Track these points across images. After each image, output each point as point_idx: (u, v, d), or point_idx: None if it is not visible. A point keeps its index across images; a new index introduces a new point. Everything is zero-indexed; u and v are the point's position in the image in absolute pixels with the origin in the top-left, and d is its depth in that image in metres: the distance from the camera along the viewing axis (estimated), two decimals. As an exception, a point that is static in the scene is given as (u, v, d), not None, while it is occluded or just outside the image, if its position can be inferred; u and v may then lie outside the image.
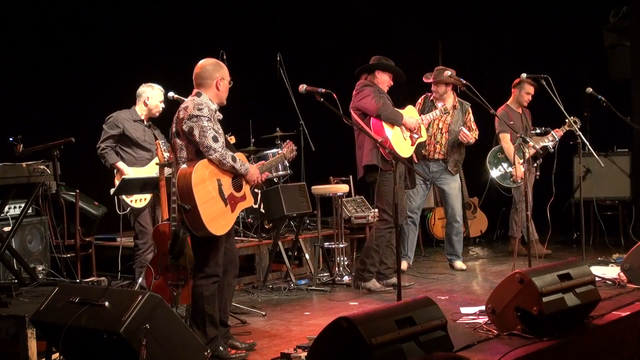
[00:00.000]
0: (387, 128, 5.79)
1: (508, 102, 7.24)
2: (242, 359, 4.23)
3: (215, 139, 4.06)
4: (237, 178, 4.24)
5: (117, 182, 5.84)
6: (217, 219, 4.09)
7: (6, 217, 5.92)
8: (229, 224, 4.20)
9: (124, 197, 5.83)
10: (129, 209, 5.88)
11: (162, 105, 6.06)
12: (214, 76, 4.23)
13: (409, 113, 6.05)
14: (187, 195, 4.01)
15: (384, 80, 5.96)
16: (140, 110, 6.05)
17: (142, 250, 5.89)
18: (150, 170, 5.91)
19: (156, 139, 5.98)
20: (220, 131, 4.17)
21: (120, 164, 5.88)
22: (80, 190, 5.95)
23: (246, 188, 4.32)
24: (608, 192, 8.09)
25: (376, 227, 5.95)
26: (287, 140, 5.03)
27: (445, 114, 6.46)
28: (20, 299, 4.73)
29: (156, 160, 5.96)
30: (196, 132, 4.05)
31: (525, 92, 7.04)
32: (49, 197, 5.95)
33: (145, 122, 6.07)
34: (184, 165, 4.10)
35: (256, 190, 6.51)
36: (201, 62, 4.31)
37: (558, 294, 4.16)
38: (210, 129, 4.06)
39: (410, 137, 5.93)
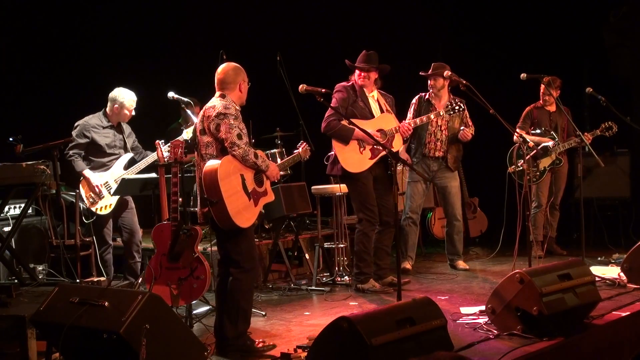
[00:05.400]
0: (336, 143, 5.83)
1: (540, 100, 7.31)
2: (269, 350, 4.28)
3: (239, 137, 4.26)
4: (259, 174, 4.43)
5: (81, 187, 5.93)
6: (242, 212, 4.27)
7: (6, 217, 5.93)
8: (253, 217, 4.38)
9: (88, 204, 5.91)
10: (95, 217, 5.95)
11: (133, 113, 6.09)
12: (237, 80, 4.45)
13: (382, 121, 5.95)
14: (214, 189, 4.18)
15: (356, 76, 5.98)
16: (110, 114, 6.06)
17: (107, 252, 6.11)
18: (116, 171, 5.99)
19: (125, 143, 6.09)
20: (245, 131, 4.37)
21: (87, 173, 5.92)
22: (79, 190, 5.96)
23: (267, 184, 4.51)
24: (608, 192, 8.08)
25: (357, 230, 5.96)
26: (302, 141, 5.22)
27: (439, 116, 6.45)
28: (20, 299, 4.74)
29: (123, 160, 5.99)
30: (223, 129, 4.25)
31: (546, 94, 7.12)
32: (49, 197, 5.96)
33: (114, 126, 6.09)
34: (210, 162, 4.27)
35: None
36: (223, 67, 4.50)
37: (558, 294, 4.17)
38: (236, 127, 4.27)
39: (372, 149, 5.84)
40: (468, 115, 6.74)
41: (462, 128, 6.61)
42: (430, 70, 6.68)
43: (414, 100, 6.77)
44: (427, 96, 6.75)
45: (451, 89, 6.72)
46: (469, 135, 6.62)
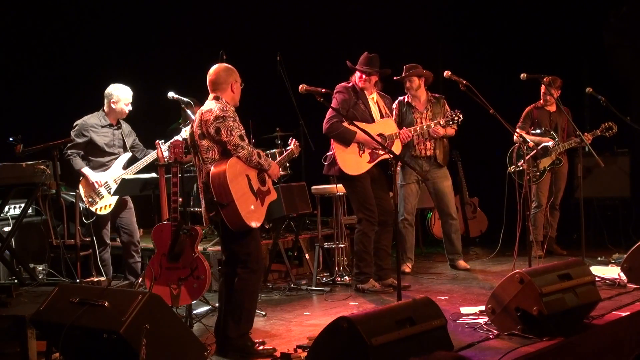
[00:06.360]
0: (336, 144, 5.86)
1: (541, 100, 7.32)
2: (269, 353, 4.26)
3: (241, 138, 4.26)
4: (261, 173, 4.43)
5: (81, 187, 5.94)
6: (252, 213, 4.27)
7: (6, 217, 5.93)
8: (262, 217, 4.39)
9: (87, 205, 5.92)
10: (94, 217, 5.95)
11: (130, 107, 6.10)
12: (229, 80, 4.41)
13: (383, 126, 5.97)
14: (224, 192, 4.17)
15: (357, 78, 5.98)
16: (108, 112, 6.07)
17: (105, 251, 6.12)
18: (115, 171, 6.00)
19: (125, 142, 6.10)
20: (244, 131, 4.35)
21: (86, 170, 5.94)
22: (79, 189, 5.96)
23: (269, 182, 4.51)
24: (608, 192, 8.09)
25: (357, 230, 5.97)
26: (291, 138, 5.22)
27: (439, 126, 6.45)
28: (20, 299, 4.73)
29: (121, 160, 6.00)
30: (223, 132, 4.23)
31: (547, 94, 7.13)
32: (49, 197, 5.96)
33: (113, 125, 6.10)
34: (215, 165, 4.24)
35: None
36: (214, 68, 4.46)
37: (558, 294, 4.17)
38: (236, 128, 4.26)
39: (371, 153, 5.86)
40: (449, 110, 6.71)
41: (431, 125, 6.57)
42: (403, 73, 6.70)
43: (394, 105, 6.69)
44: (406, 99, 6.76)
45: (428, 87, 6.76)
46: (440, 133, 6.61)
